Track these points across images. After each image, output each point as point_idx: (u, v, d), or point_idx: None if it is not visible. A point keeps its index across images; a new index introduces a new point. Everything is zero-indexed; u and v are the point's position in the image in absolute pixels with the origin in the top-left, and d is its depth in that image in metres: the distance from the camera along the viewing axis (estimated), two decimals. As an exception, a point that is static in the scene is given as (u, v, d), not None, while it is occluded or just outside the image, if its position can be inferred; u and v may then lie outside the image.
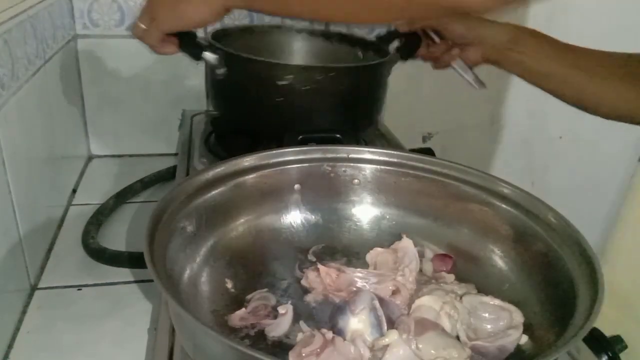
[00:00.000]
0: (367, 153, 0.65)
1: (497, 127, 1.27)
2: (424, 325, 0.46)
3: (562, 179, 1.29)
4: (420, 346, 0.44)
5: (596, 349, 0.56)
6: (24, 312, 0.65)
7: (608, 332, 0.56)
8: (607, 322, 0.50)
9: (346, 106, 0.83)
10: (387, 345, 0.44)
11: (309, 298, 0.55)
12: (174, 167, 0.90)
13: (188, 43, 0.72)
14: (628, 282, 0.72)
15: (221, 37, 0.84)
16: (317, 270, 0.55)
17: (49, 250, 0.77)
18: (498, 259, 0.59)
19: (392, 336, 0.45)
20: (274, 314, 0.52)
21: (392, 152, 0.66)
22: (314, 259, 0.61)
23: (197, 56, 0.73)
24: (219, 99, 0.88)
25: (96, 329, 0.64)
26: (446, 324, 0.47)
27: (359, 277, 0.54)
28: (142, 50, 0.99)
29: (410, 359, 0.44)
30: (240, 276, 0.57)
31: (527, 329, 0.49)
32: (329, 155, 0.65)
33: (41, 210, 0.76)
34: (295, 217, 0.64)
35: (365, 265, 0.59)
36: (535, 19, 1.07)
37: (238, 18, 1.01)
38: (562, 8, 1.13)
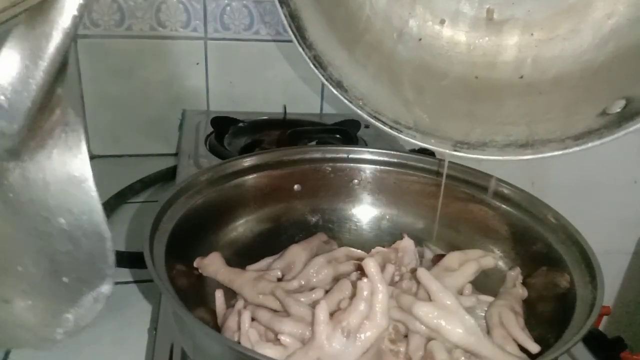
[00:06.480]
0: (367, 153, 0.65)
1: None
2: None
3: (562, 179, 1.29)
4: None
5: (596, 349, 0.56)
6: (23, 312, 0.65)
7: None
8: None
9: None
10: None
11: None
12: (174, 167, 0.90)
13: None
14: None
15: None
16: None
17: (49, 250, 0.76)
18: (498, 259, 0.59)
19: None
20: (274, 314, 0.52)
21: (392, 152, 0.66)
22: (313, 259, 0.61)
23: None
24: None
25: (96, 329, 0.63)
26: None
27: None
28: (142, 50, 1.00)
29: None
30: (240, 276, 0.57)
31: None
32: (329, 155, 0.65)
33: (41, 210, 0.76)
34: (295, 218, 0.65)
35: (365, 265, 0.59)
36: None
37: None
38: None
